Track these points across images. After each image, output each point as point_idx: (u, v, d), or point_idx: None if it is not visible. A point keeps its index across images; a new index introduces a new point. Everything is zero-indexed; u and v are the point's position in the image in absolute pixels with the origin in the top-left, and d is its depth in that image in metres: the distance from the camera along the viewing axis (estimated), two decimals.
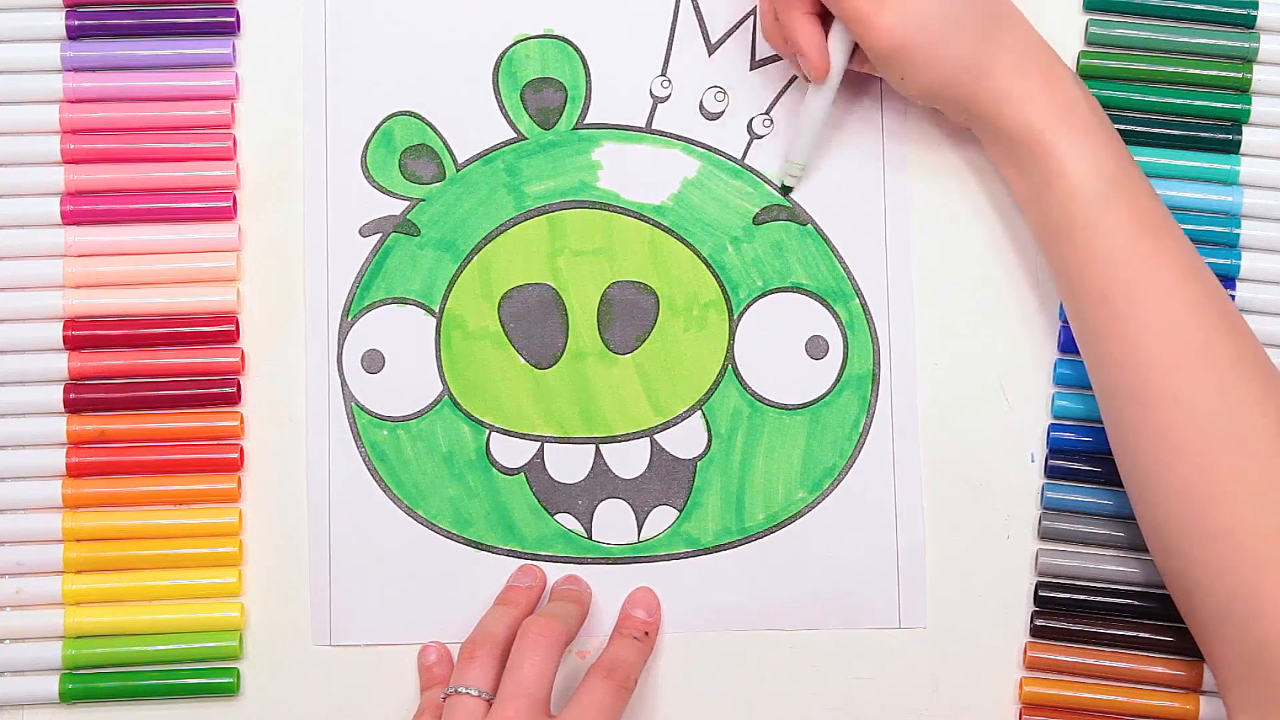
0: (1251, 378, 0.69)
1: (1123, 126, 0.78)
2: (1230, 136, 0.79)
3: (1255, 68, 0.79)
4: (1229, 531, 0.67)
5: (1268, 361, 0.70)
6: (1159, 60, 0.80)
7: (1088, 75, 0.80)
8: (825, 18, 0.74)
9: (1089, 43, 0.80)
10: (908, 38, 0.71)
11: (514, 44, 0.81)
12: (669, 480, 0.79)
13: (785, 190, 0.79)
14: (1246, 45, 0.79)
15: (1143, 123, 0.79)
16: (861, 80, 0.80)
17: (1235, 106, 0.79)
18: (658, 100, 0.80)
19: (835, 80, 0.75)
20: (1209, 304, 0.70)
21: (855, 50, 0.75)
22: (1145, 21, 0.80)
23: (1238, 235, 0.79)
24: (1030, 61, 0.72)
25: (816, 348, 0.79)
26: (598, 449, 0.79)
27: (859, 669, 0.78)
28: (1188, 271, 0.70)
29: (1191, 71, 0.79)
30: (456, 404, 0.79)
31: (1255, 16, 0.79)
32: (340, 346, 0.79)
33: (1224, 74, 0.79)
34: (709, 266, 0.80)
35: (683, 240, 0.80)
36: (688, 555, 0.78)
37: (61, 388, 0.78)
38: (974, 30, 0.72)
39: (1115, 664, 0.77)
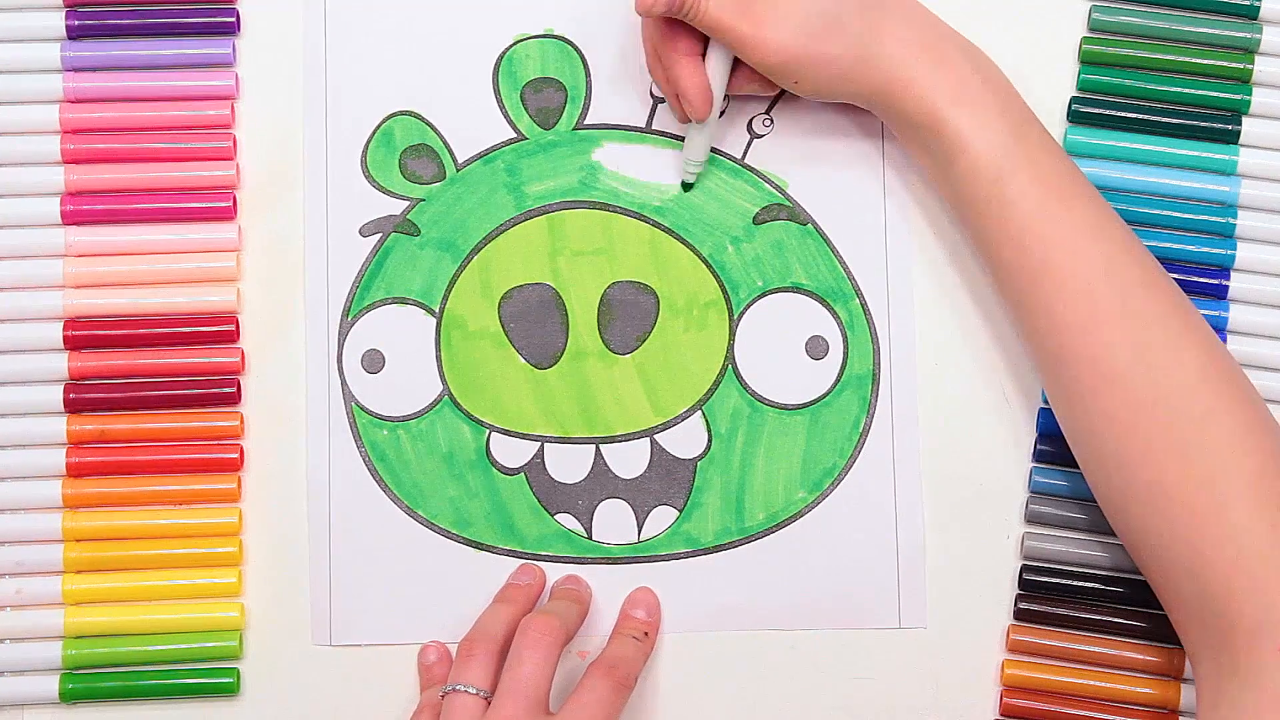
0: (1167, 332, 0.69)
1: (1123, 114, 0.79)
2: (1230, 127, 0.79)
3: (1257, 59, 0.79)
4: (1160, 487, 0.68)
5: (1188, 312, 0.70)
6: (1161, 49, 0.80)
7: (1089, 61, 0.80)
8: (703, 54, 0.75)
9: (1091, 29, 0.80)
10: (792, 48, 0.72)
11: (514, 44, 0.81)
12: (669, 480, 0.79)
13: (686, 187, 0.79)
14: (1248, 36, 0.79)
15: (1143, 110, 0.79)
16: None
17: (1236, 97, 0.79)
18: (658, 100, 0.80)
19: (716, 114, 0.76)
20: (1121, 262, 0.70)
21: (734, 71, 0.76)
22: (1148, 9, 0.80)
23: (1234, 225, 0.79)
24: (916, 43, 0.73)
25: (816, 348, 0.79)
26: (598, 449, 0.79)
27: (859, 669, 0.78)
28: (1097, 231, 0.71)
29: (1193, 61, 0.80)
30: (456, 404, 0.79)
31: (1258, 8, 0.79)
32: (340, 346, 0.79)
33: (1225, 64, 0.79)
34: (709, 266, 0.80)
35: (683, 240, 0.80)
36: (688, 555, 0.78)
37: (61, 388, 0.78)
38: (856, 24, 0.72)
39: (1098, 649, 0.77)
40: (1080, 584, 0.77)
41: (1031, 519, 0.78)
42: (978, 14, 0.80)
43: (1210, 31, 0.79)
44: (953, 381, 0.79)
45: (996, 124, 0.72)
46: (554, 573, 0.78)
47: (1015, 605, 0.78)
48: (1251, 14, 0.80)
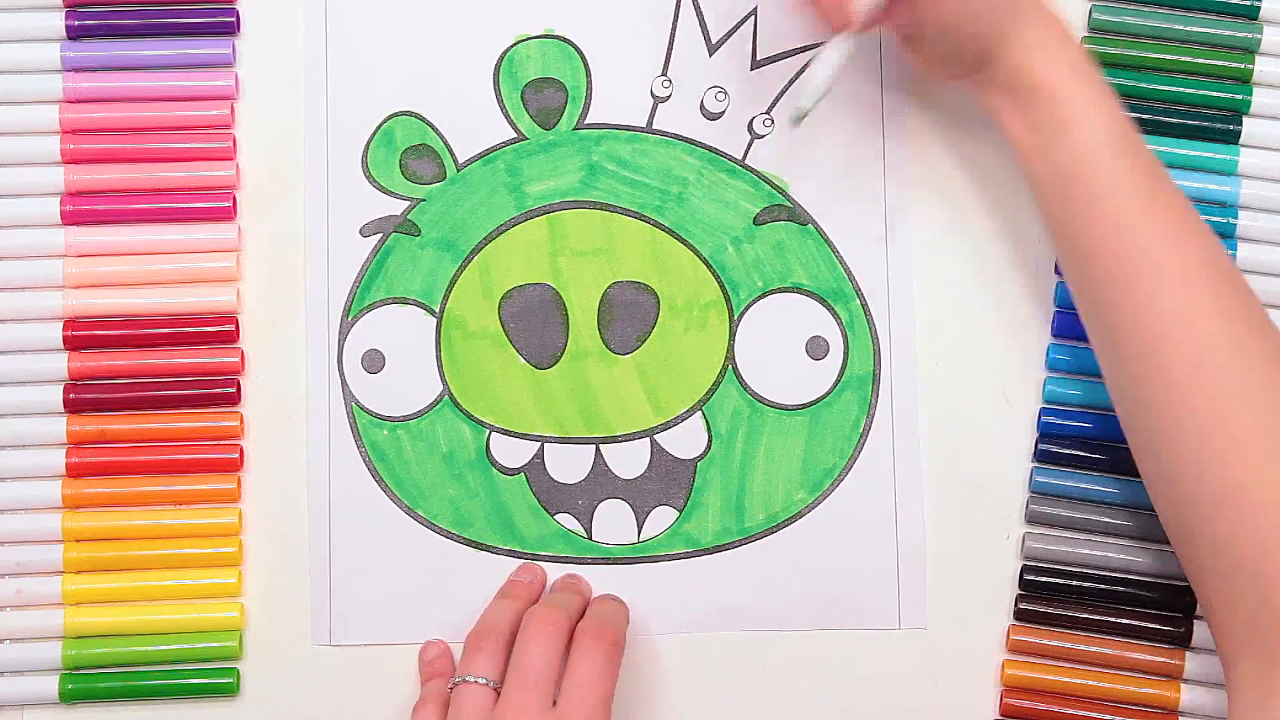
0: (1260, 333, 0.68)
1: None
2: (1230, 127, 0.79)
3: (1257, 59, 0.80)
4: (1241, 488, 0.66)
5: (1265, 313, 0.70)
6: (1161, 49, 0.80)
7: None
8: None
9: (1092, 29, 0.80)
10: None
11: (515, 44, 0.81)
12: (669, 480, 0.78)
13: (796, 122, 0.73)
14: (1249, 36, 0.79)
15: (1144, 110, 0.79)
16: (861, 79, 0.80)
17: (1236, 97, 0.79)
18: (658, 100, 0.80)
19: (852, 34, 0.72)
20: (1216, 259, 0.69)
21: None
22: (1148, 9, 0.80)
23: (1235, 226, 0.79)
24: (1045, 13, 0.72)
25: (817, 348, 0.79)
26: (598, 449, 0.79)
27: (859, 669, 0.78)
28: (1194, 227, 0.70)
29: (1193, 61, 0.80)
30: (457, 404, 0.79)
31: (1258, 8, 0.80)
32: (341, 346, 0.79)
33: (1226, 64, 0.79)
34: (709, 267, 0.80)
35: (683, 240, 0.80)
36: (688, 555, 0.78)
37: (61, 388, 0.78)
38: None
39: (1098, 649, 0.77)
40: (1080, 584, 0.77)
41: (1032, 519, 0.78)
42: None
43: (1210, 31, 0.80)
44: (953, 382, 0.79)
45: (1110, 106, 0.70)
46: (554, 573, 0.78)
47: (1015, 605, 0.78)
48: (1252, 14, 0.80)
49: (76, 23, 0.80)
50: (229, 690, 0.77)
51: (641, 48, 0.80)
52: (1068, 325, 0.78)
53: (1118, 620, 0.77)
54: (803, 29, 0.80)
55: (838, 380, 0.79)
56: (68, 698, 0.77)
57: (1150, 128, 0.79)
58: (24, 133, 0.79)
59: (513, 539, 0.78)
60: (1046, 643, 0.77)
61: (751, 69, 0.80)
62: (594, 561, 0.78)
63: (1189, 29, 0.80)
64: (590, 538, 0.78)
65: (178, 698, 0.77)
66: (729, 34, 0.80)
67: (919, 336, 0.79)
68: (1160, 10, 0.80)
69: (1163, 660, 0.77)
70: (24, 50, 0.80)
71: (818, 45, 0.80)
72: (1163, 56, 0.80)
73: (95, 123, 0.80)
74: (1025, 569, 0.78)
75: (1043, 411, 0.78)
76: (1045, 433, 0.78)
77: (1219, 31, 0.80)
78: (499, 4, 0.81)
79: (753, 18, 0.80)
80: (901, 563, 0.78)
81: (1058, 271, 0.79)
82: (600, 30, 0.80)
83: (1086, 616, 0.77)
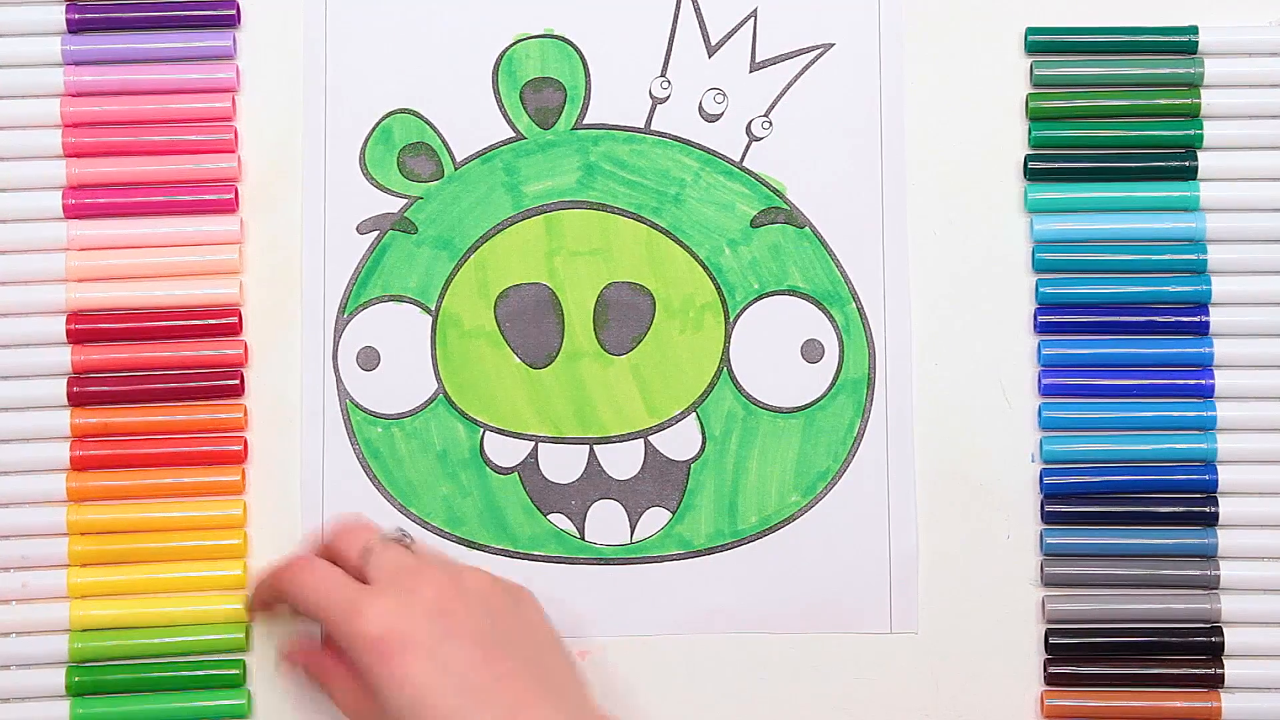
0: None
1: (1079, 164, 0.79)
2: (1186, 163, 0.78)
3: (1203, 91, 0.79)
4: None
5: None
6: (1107, 95, 0.79)
7: (1038, 118, 0.79)
8: None
9: (1035, 85, 0.80)
10: None
11: (514, 43, 0.80)
12: (662, 482, 0.79)
13: None
14: (1191, 71, 0.79)
15: (1098, 159, 0.79)
16: (859, 82, 0.79)
17: (1188, 133, 0.79)
18: (657, 101, 0.80)
19: None
20: None
21: None
22: (1088, 58, 0.79)
23: (1205, 261, 0.78)
24: None
25: (812, 351, 0.79)
26: (592, 449, 0.79)
27: (849, 674, 0.78)
28: None
29: (1140, 103, 0.79)
30: (451, 402, 0.80)
31: (1196, 42, 0.78)
32: (336, 343, 0.80)
33: (1173, 101, 0.79)
34: (706, 268, 0.80)
35: (680, 242, 0.80)
36: (680, 557, 0.79)
37: (65, 381, 0.79)
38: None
39: (1134, 703, 0.77)
40: (1106, 640, 0.77)
41: (1048, 581, 0.78)
42: (922, 84, 0.79)
43: (1152, 71, 0.79)
44: (952, 383, 0.79)
45: None
46: (546, 573, 0.79)
47: (1044, 670, 0.78)
48: (1190, 49, 0.79)
49: (77, 16, 0.80)
50: (235, 683, 0.78)
51: (641, 48, 0.80)
52: (1056, 388, 0.79)
53: (1148, 671, 0.77)
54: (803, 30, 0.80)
55: (832, 383, 0.79)
56: (75, 690, 0.78)
57: (1108, 175, 0.79)
58: (26, 126, 0.80)
59: (505, 538, 0.79)
60: (1080, 704, 0.77)
61: (751, 71, 0.80)
62: (586, 562, 0.79)
63: (1131, 71, 0.79)
64: (583, 538, 0.79)
65: (184, 690, 0.78)
66: (728, 35, 0.80)
67: (915, 340, 0.79)
68: (1100, 57, 0.79)
69: (1200, 705, 0.77)
70: (25, 44, 0.80)
71: (818, 47, 0.80)
72: (1110, 103, 0.79)
73: (97, 116, 0.80)
74: (1049, 632, 0.78)
75: (1044, 472, 0.78)
76: (1049, 493, 0.78)
77: (1161, 70, 0.79)
78: (499, 3, 0.80)
79: (753, 19, 0.80)
80: (894, 568, 0.79)
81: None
82: (600, 30, 0.80)
83: (1116, 672, 0.77)
